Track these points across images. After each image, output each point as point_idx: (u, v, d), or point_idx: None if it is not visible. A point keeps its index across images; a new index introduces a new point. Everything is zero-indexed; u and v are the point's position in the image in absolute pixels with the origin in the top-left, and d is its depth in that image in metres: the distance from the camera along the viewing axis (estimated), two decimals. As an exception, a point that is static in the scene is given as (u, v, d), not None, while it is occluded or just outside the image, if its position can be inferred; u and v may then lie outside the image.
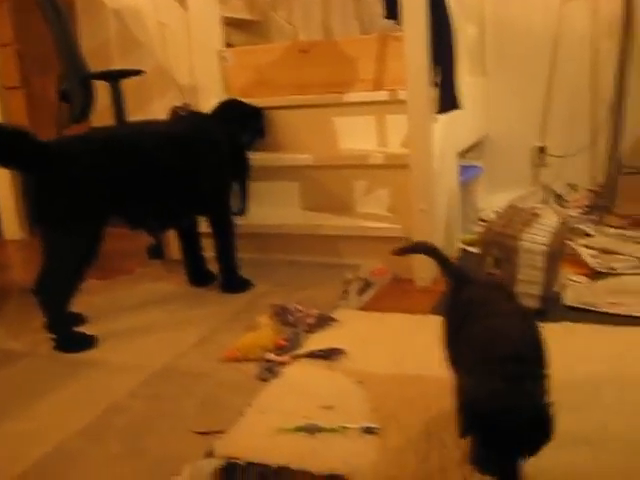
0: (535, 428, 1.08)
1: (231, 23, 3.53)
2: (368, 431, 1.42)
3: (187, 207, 2.38)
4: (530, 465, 1.22)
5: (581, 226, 2.85)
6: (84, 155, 2.05)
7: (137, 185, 2.16)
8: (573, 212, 3.11)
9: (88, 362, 1.95)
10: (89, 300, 2.33)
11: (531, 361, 1.17)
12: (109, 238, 2.12)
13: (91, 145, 2.09)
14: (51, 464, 1.44)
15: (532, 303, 2.02)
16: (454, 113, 2.51)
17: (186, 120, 2.52)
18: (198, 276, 2.55)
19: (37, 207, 2.02)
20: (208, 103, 2.97)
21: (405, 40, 2.27)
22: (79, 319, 2.21)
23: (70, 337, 2.08)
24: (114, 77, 3.09)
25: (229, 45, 3.19)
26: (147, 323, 2.23)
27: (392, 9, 2.44)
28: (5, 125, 2.03)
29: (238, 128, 2.55)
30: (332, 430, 1.43)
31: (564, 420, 1.40)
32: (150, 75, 3.35)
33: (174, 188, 2.26)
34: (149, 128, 2.34)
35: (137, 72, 3.14)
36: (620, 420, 1.41)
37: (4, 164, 2.03)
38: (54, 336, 2.06)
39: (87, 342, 2.07)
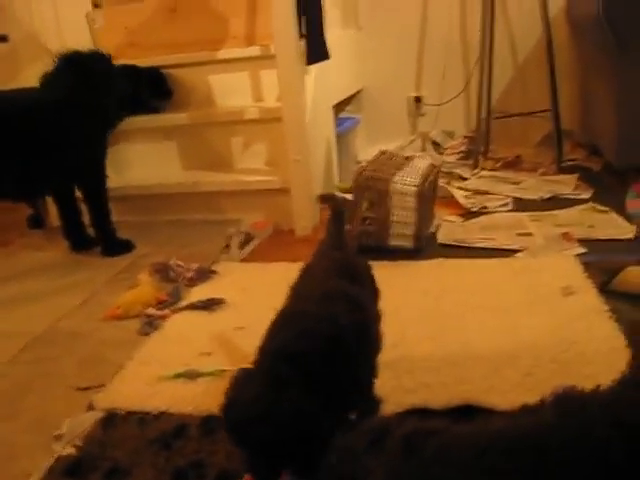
0: (293, 445, 0.92)
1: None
2: (246, 372, 1.45)
3: (54, 175, 2.32)
4: (397, 387, 1.30)
5: (457, 170, 2.96)
6: None
7: None
8: (450, 158, 3.23)
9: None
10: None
11: (312, 363, 0.97)
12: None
13: None
14: None
15: (406, 243, 2.10)
16: (327, 66, 2.56)
17: (60, 86, 2.41)
18: (79, 242, 2.51)
19: None
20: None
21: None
22: None
23: None
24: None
25: (97, 6, 3.11)
26: (28, 291, 2.20)
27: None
28: None
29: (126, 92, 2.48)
30: (211, 374, 1.46)
31: (431, 345, 1.50)
32: (19, 43, 3.23)
33: (37, 157, 2.19)
34: (12, 95, 2.27)
35: (1, 38, 3.03)
36: (482, 342, 1.50)
37: None
38: None
39: None
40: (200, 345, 1.61)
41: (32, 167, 2.19)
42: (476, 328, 1.57)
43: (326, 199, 1.51)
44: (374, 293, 1.27)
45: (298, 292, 1.20)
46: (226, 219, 2.55)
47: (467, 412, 1.25)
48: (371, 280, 1.28)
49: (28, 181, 2.23)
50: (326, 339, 1.01)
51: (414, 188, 2.08)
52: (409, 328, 1.56)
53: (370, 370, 1.14)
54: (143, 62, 2.81)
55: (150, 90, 2.68)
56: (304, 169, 2.39)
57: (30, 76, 3.83)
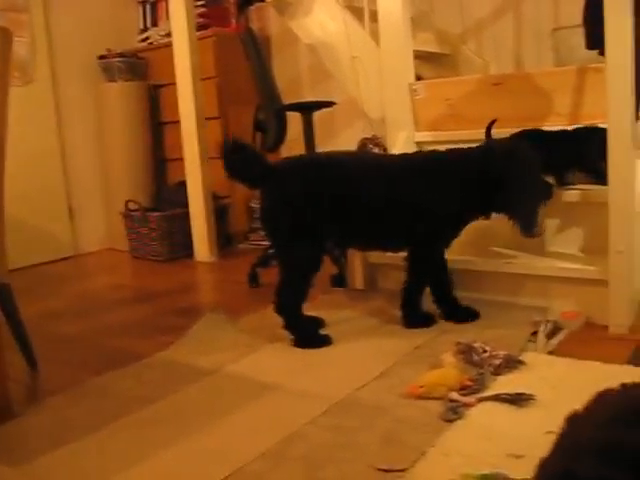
0: None
1: (421, 56, 3.54)
2: (560, 486, 1.32)
3: (394, 236, 2.41)
4: None
5: None
6: (303, 176, 2.29)
7: (347, 209, 2.30)
8: None
9: (270, 386, 1.98)
10: (275, 324, 2.39)
11: None
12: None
13: (309, 168, 2.33)
14: (233, 486, 1.47)
15: None
16: (659, 149, 2.35)
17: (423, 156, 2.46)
18: (451, 311, 2.47)
19: (265, 221, 2.36)
20: (396, 135, 2.98)
21: (608, 71, 2.15)
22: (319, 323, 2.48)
23: (308, 336, 2.33)
24: (307, 109, 3.18)
25: (418, 78, 3.18)
26: (328, 350, 2.25)
27: (595, 39, 2.33)
28: (244, 145, 2.33)
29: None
30: (520, 481, 1.35)
31: None
32: (338, 107, 3.42)
33: (383, 216, 2.33)
34: (367, 157, 2.56)
35: (330, 104, 3.22)
36: None
37: (239, 179, 2.33)
38: (292, 336, 2.33)
39: (323, 340, 2.31)
40: (508, 444, 1.50)
41: (374, 226, 2.37)
42: None
43: None
44: None
45: (568, 435, 1.05)
46: (532, 304, 2.41)
47: None
48: None
49: (367, 237, 2.45)
50: None
51: None
52: None
53: None
54: (461, 135, 2.81)
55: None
56: (626, 262, 2.18)
57: (344, 140, 4.08)
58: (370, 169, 2.35)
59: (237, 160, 2.29)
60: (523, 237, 2.29)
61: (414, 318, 2.41)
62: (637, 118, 2.22)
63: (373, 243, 2.50)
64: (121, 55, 4.57)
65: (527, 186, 2.28)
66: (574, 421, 1.08)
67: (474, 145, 2.39)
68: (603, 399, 1.10)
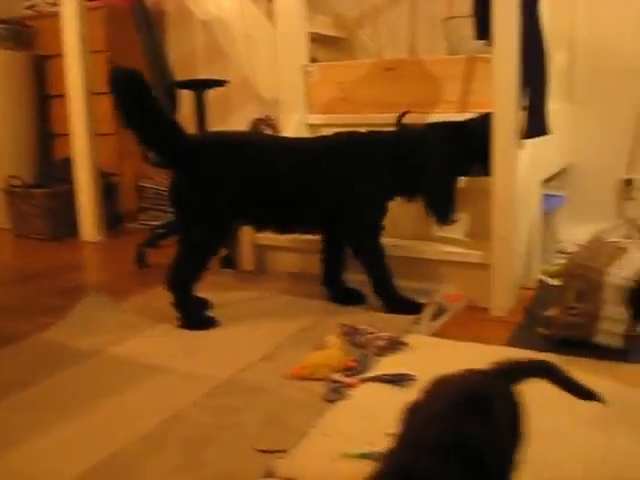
0: None
1: (317, 39, 3.53)
2: (436, 464, 1.35)
3: (314, 218, 2.40)
4: None
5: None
6: (220, 157, 2.22)
7: (261, 190, 2.26)
8: (660, 249, 2.97)
9: (153, 368, 1.93)
10: (161, 306, 2.34)
11: None
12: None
13: (223, 145, 2.26)
14: (108, 470, 1.42)
15: (614, 342, 1.92)
16: (540, 139, 2.43)
17: (337, 140, 2.40)
18: (340, 294, 2.49)
19: (173, 195, 2.26)
20: (289, 117, 2.97)
21: (494, 61, 2.22)
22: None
23: (194, 318, 2.28)
24: (199, 86, 3.12)
25: (314, 61, 3.18)
26: (214, 332, 2.23)
27: (483, 30, 2.38)
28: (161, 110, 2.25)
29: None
30: (398, 459, 1.37)
31: None
32: (232, 86, 3.37)
33: (300, 199, 2.31)
34: (286, 139, 2.52)
35: (222, 82, 3.17)
36: None
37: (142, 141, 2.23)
38: (179, 315, 2.26)
39: (209, 322, 2.27)
40: (387, 424, 1.50)
41: (290, 207, 2.35)
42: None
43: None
44: (514, 437, 1.09)
45: (410, 427, 1.10)
46: (418, 287, 2.45)
47: None
48: (513, 418, 1.11)
49: (284, 219, 2.40)
50: None
51: (631, 283, 1.90)
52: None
53: None
54: (353, 119, 2.83)
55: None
56: (508, 247, 2.26)
57: (238, 120, 4.03)
58: (289, 151, 2.33)
59: (147, 126, 2.19)
60: (439, 224, 2.39)
61: (396, 303, 2.34)
62: (521, 109, 2.29)
63: (291, 226, 2.44)
64: (4, 22, 4.32)
65: (439, 170, 2.35)
66: (414, 411, 1.11)
67: (389, 129, 2.45)
68: (442, 386, 1.14)
